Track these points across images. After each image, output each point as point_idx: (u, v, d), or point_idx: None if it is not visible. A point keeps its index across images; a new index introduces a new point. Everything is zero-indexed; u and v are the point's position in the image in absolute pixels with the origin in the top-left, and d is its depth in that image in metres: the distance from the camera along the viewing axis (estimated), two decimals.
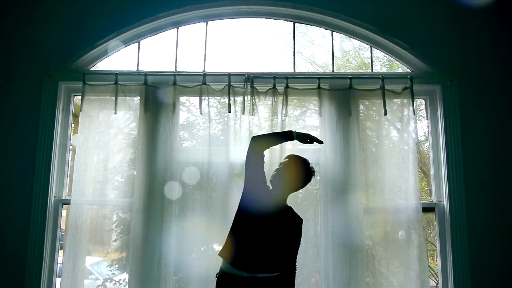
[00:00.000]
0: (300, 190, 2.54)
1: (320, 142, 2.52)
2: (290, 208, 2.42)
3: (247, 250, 2.23)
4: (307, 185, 2.46)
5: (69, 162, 3.08)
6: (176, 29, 3.18)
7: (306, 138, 2.47)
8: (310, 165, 2.43)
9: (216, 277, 2.28)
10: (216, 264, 2.72)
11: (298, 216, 2.42)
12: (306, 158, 2.45)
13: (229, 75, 2.96)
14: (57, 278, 2.90)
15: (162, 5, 3.08)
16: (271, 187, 2.42)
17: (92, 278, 3.30)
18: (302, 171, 2.40)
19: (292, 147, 2.94)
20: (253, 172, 2.38)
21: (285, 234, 2.32)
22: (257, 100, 2.96)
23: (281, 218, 2.34)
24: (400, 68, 3.25)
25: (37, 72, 3.01)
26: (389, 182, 2.89)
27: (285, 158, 2.46)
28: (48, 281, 2.86)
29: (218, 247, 2.85)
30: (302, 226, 2.42)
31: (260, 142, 2.40)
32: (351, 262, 2.76)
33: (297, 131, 2.47)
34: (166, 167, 2.88)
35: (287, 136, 2.45)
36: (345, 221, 2.81)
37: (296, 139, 2.45)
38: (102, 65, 3.17)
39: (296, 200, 2.81)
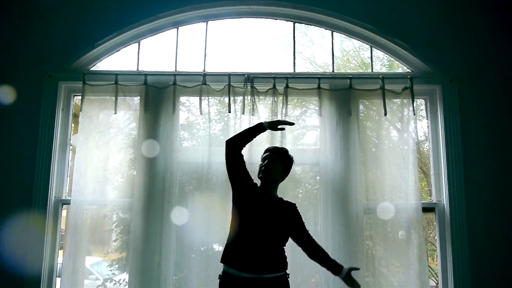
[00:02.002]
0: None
1: (291, 123, 2.52)
2: (281, 198, 2.42)
3: (250, 251, 2.21)
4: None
5: (69, 162, 3.08)
6: (176, 29, 3.18)
7: (277, 125, 2.47)
8: (289, 152, 2.47)
9: (219, 278, 2.27)
10: (216, 264, 2.72)
11: (290, 202, 2.43)
12: (283, 147, 2.48)
13: (229, 75, 2.96)
14: (57, 278, 2.90)
15: (162, 5, 3.08)
16: (259, 184, 2.43)
17: (92, 278, 3.30)
18: (286, 160, 2.43)
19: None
20: (237, 174, 2.37)
21: (286, 223, 2.33)
22: (257, 100, 2.96)
23: (277, 210, 2.33)
24: (400, 68, 3.25)
25: (37, 72, 3.01)
26: (389, 182, 2.89)
27: (265, 153, 2.44)
28: (48, 281, 2.86)
29: (218, 247, 2.85)
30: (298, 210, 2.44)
31: (234, 144, 2.39)
32: (351, 262, 2.76)
33: (267, 121, 2.46)
34: (166, 167, 2.88)
35: (259, 128, 2.44)
36: (345, 221, 2.82)
37: (269, 129, 2.46)
38: (102, 65, 3.17)
39: (296, 200, 2.79)
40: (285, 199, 2.44)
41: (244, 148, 2.41)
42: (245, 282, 2.17)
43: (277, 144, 2.84)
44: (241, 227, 2.29)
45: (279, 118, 2.91)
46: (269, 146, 2.56)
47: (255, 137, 2.45)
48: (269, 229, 2.26)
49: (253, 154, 2.83)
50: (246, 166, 2.40)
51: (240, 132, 2.43)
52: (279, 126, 2.48)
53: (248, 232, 2.25)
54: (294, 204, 2.43)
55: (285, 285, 2.25)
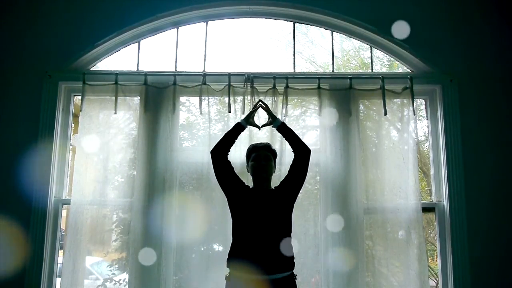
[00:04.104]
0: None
1: (256, 104, 2.64)
2: (275, 188, 2.43)
3: (258, 253, 2.20)
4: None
5: (69, 162, 3.08)
6: (176, 29, 3.18)
7: (250, 118, 2.55)
8: (271, 145, 2.53)
9: (225, 279, 2.27)
10: (216, 264, 2.72)
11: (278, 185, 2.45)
12: (262, 142, 2.55)
13: (229, 75, 2.96)
14: (57, 278, 2.90)
15: (162, 5, 3.08)
16: (252, 185, 2.44)
17: (92, 278, 3.30)
18: (274, 154, 2.48)
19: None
20: (229, 182, 2.39)
21: (285, 202, 2.36)
22: (257, 100, 2.95)
23: (274, 202, 2.34)
24: (400, 68, 3.25)
25: (37, 72, 3.01)
26: (389, 182, 2.89)
27: (253, 152, 2.46)
28: (48, 281, 2.86)
29: (218, 247, 2.85)
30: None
31: (219, 152, 2.41)
32: (351, 262, 2.76)
33: (242, 118, 2.55)
34: (166, 167, 2.88)
35: (238, 128, 2.48)
36: (345, 221, 2.82)
37: (247, 125, 2.53)
38: (102, 65, 3.17)
39: (296, 201, 2.80)
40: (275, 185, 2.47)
41: (229, 152, 2.44)
42: (253, 284, 2.16)
43: (278, 144, 2.85)
44: (244, 231, 2.28)
45: (279, 118, 2.90)
46: (251, 144, 2.59)
47: (236, 138, 2.49)
48: (273, 225, 2.27)
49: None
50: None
51: (222, 138, 2.45)
52: (255, 122, 2.59)
53: (253, 235, 2.24)
54: (280, 183, 2.45)
55: (292, 284, 2.25)
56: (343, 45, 3.65)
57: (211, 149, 2.44)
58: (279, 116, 2.91)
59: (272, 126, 2.55)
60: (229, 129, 2.52)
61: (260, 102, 2.61)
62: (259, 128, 2.65)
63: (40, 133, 2.93)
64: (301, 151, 2.42)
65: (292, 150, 2.47)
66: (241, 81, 2.98)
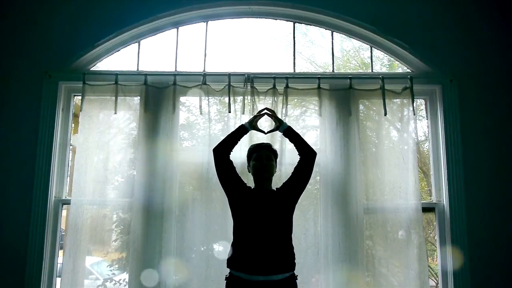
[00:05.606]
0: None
1: (262, 111, 2.61)
2: (276, 189, 2.43)
3: (259, 253, 2.20)
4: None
5: (69, 162, 3.08)
6: (176, 29, 3.18)
7: (253, 122, 2.53)
8: (272, 145, 2.54)
9: (226, 279, 2.27)
10: (216, 264, 2.72)
11: (279, 187, 2.44)
12: (263, 142, 2.56)
13: (229, 75, 2.96)
14: (57, 278, 2.90)
15: (162, 5, 3.08)
16: (253, 186, 2.44)
17: (92, 278, 3.29)
18: (275, 153, 2.49)
19: (293, 147, 2.93)
20: (230, 181, 2.39)
21: (287, 204, 2.36)
22: (257, 100, 2.96)
23: (275, 203, 2.34)
24: (400, 68, 3.25)
25: (37, 72, 3.01)
26: (389, 182, 2.89)
27: (254, 152, 2.46)
28: (48, 281, 2.86)
29: (218, 247, 2.84)
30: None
31: (221, 150, 2.41)
32: (351, 262, 2.76)
33: (246, 121, 2.54)
34: (166, 167, 2.88)
35: (242, 131, 2.49)
36: (345, 221, 2.82)
37: (251, 129, 2.52)
38: (102, 65, 3.17)
39: None
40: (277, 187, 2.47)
41: (231, 152, 2.44)
42: (254, 285, 2.16)
43: (278, 144, 2.85)
44: (246, 231, 2.28)
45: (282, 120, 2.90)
46: (252, 144, 2.59)
47: (239, 140, 2.49)
48: (274, 226, 2.26)
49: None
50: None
51: (225, 138, 2.46)
52: (258, 127, 2.56)
53: (254, 235, 2.24)
54: (282, 184, 2.45)
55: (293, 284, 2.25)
56: (343, 45, 3.64)
57: (213, 147, 2.45)
58: (279, 116, 2.91)
59: (279, 131, 2.55)
60: (232, 130, 2.52)
61: (266, 110, 2.59)
62: (264, 133, 2.63)
63: (40, 133, 2.93)
64: (308, 154, 2.43)
65: (298, 153, 2.47)
66: (241, 81, 2.98)
